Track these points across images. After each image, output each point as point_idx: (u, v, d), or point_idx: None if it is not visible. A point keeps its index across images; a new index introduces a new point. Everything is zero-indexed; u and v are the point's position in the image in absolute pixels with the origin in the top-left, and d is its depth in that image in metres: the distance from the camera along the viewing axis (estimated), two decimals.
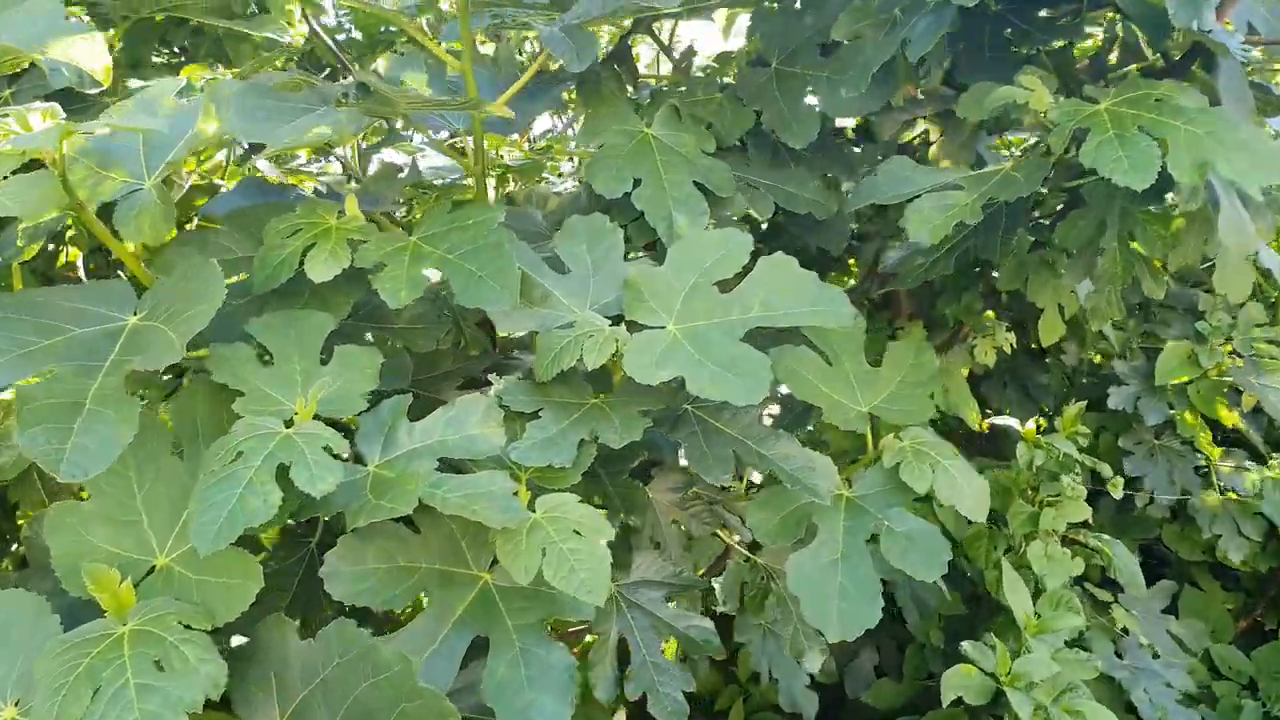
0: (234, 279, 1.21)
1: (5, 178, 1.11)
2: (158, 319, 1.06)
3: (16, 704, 0.90)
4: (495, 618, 1.03)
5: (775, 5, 1.61)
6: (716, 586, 1.70)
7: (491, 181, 1.89)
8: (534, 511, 1.03)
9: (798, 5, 1.60)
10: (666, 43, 1.99)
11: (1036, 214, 1.82)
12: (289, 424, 1.01)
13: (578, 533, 1.01)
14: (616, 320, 1.19)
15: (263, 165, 1.62)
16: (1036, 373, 2.56)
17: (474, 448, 1.07)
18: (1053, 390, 2.52)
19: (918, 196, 1.40)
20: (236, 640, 1.02)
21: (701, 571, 1.78)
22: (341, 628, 0.93)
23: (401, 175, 1.59)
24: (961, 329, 2.10)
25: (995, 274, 1.96)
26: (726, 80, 1.73)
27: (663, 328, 1.17)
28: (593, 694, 1.23)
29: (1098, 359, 2.65)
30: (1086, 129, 1.28)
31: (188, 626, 0.90)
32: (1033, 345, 2.63)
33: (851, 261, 2.28)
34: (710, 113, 1.54)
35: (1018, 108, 1.41)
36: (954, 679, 1.78)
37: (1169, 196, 1.45)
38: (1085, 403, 2.24)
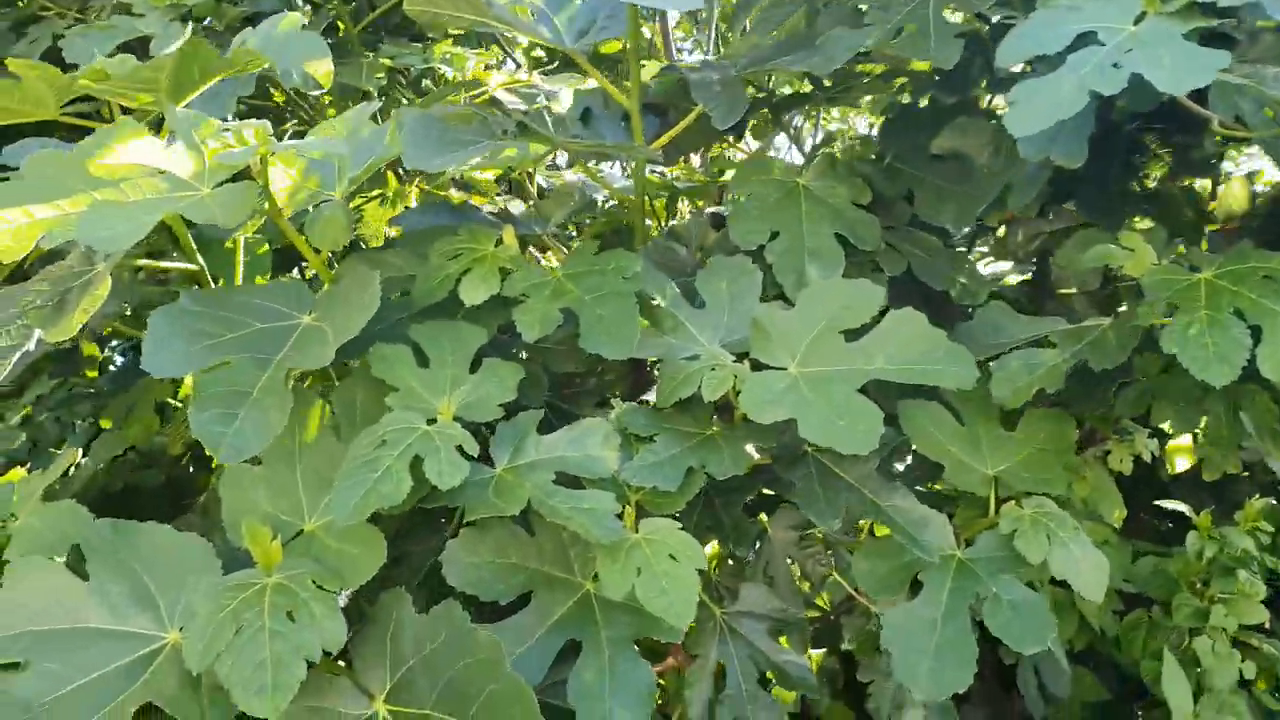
0: (398, 294, 1.35)
1: (219, 185, 1.30)
2: (324, 321, 1.20)
3: (180, 629, 1.05)
4: (590, 626, 1.10)
5: (899, 103, 1.64)
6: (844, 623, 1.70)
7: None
8: (636, 533, 1.10)
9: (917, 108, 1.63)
10: None
11: None
12: (431, 422, 1.13)
13: (673, 557, 1.07)
14: (742, 357, 1.24)
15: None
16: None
17: (590, 466, 1.15)
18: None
19: (1004, 354, 1.35)
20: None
21: (827, 602, 1.79)
22: (449, 609, 1.02)
23: (573, 200, 1.70)
24: (1096, 434, 1.99)
25: None
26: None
27: (784, 369, 1.21)
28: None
29: None
30: (1178, 305, 1.19)
31: (320, 586, 1.02)
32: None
33: None
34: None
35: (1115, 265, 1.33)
36: None
37: None
38: (1273, 500, 2.06)
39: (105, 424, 1.82)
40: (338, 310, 1.18)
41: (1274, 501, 2.10)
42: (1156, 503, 2.37)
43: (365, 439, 1.09)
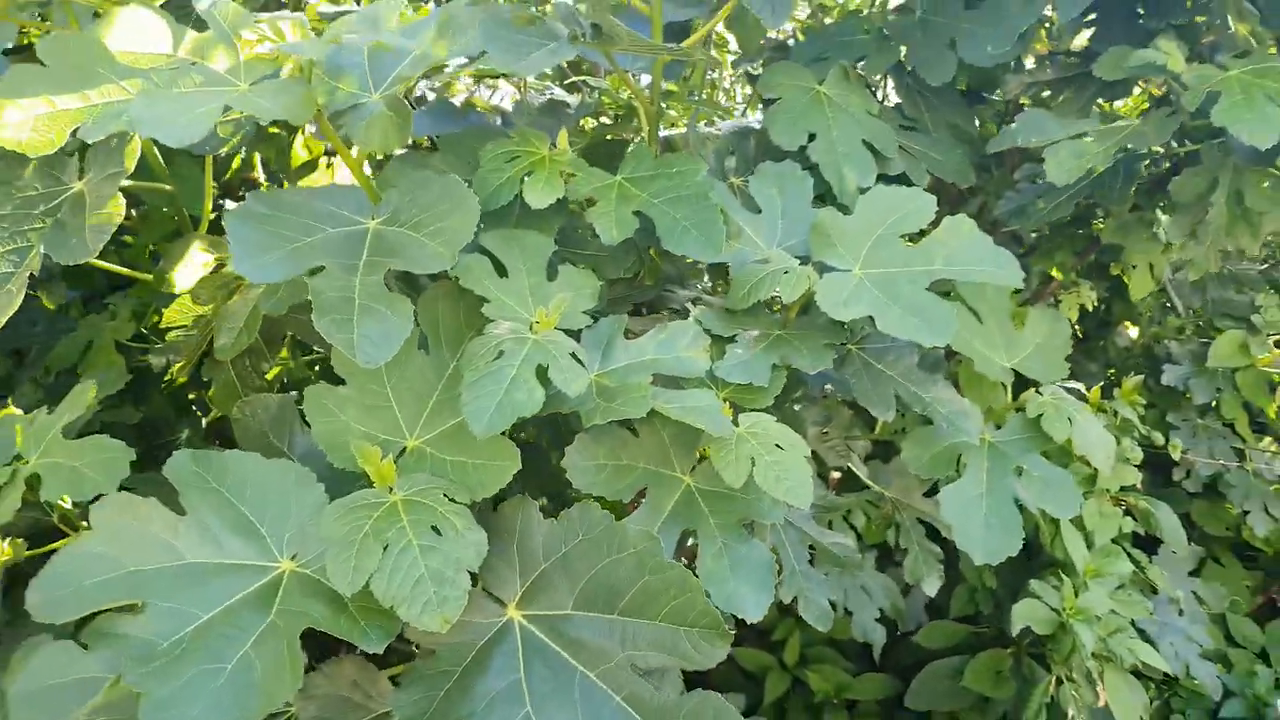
0: None
1: (254, 83, 1.20)
2: (402, 225, 1.15)
3: (293, 557, 1.01)
4: (699, 516, 1.14)
5: None
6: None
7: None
8: (738, 426, 1.15)
9: None
10: None
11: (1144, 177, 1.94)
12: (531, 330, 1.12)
13: (779, 446, 1.13)
14: (803, 260, 1.29)
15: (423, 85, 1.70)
16: (1083, 358, 2.70)
17: (684, 367, 1.18)
18: (1093, 374, 2.66)
19: (1054, 143, 1.55)
20: None
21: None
22: (584, 509, 1.04)
23: (569, 111, 1.67)
24: (1049, 286, 2.22)
25: (1091, 232, 2.08)
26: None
27: (849, 271, 1.27)
28: None
29: (1141, 341, 2.79)
30: (1218, 92, 1.43)
31: (451, 499, 1.01)
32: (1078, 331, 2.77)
33: None
34: (857, 49, 1.66)
35: (1154, 69, 1.55)
36: (1022, 610, 1.94)
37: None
38: (1143, 376, 2.37)
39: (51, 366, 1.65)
40: (420, 216, 1.13)
41: (1143, 378, 2.41)
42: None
43: (479, 349, 1.06)
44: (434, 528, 0.97)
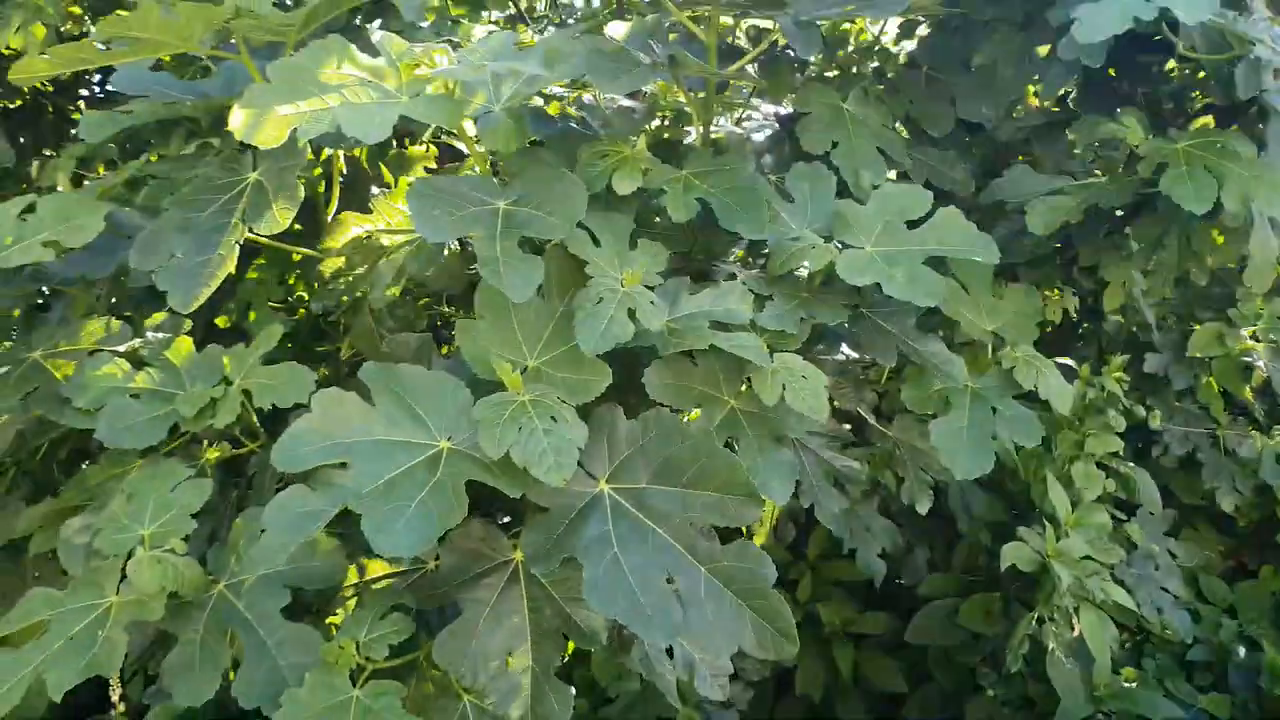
0: None
1: (413, 96, 1.59)
2: (527, 206, 1.54)
3: (449, 439, 1.40)
4: (739, 429, 1.52)
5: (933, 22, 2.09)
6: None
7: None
8: (773, 361, 1.53)
9: (953, 26, 2.07)
10: None
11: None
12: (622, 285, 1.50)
13: (805, 376, 1.50)
14: (827, 239, 1.67)
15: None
16: (1072, 341, 3.05)
17: (732, 316, 1.56)
18: (1086, 358, 3.01)
19: (1035, 198, 1.89)
20: None
21: None
22: (658, 412, 1.43)
23: (635, 116, 2.06)
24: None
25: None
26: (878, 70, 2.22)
27: (862, 248, 1.65)
28: None
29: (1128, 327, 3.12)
30: (1166, 162, 1.76)
31: (563, 401, 1.40)
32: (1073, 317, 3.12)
33: None
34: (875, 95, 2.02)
35: (1117, 141, 1.88)
36: (1010, 551, 2.28)
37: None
38: (1128, 356, 2.71)
39: (221, 322, 2.07)
40: (540, 198, 1.52)
41: (1128, 357, 2.75)
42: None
43: (586, 297, 1.45)
44: (552, 417, 1.35)
